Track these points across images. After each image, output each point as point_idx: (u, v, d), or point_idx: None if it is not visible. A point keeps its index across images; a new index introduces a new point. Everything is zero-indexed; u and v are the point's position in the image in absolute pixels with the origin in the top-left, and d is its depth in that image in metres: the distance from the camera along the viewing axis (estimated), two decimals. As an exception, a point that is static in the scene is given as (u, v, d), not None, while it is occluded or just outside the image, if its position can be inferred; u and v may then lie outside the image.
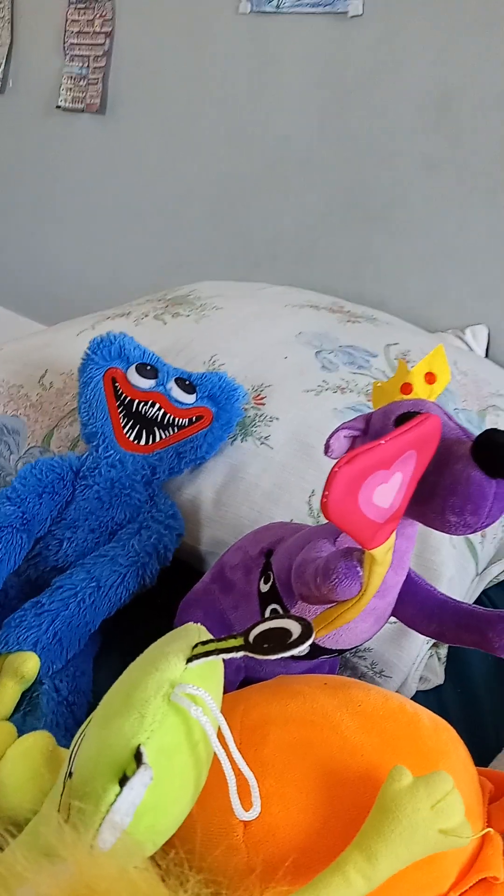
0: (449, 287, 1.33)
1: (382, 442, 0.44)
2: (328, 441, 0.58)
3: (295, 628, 0.40)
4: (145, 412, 0.83)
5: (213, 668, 0.41)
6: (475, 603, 0.89)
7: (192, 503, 0.86)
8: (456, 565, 0.84)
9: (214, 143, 1.57)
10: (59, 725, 0.63)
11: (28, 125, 1.87)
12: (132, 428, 0.82)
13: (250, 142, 1.52)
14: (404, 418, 0.56)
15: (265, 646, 0.39)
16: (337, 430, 0.58)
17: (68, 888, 0.28)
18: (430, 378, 0.60)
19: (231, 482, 0.86)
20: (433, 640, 0.79)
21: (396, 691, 0.76)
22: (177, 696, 0.38)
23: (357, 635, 0.61)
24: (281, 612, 0.63)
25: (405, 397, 0.59)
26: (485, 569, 0.92)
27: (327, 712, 0.49)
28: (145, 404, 0.83)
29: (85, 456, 0.82)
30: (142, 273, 1.77)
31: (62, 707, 0.65)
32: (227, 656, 0.39)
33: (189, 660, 0.40)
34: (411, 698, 0.73)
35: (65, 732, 0.63)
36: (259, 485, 0.85)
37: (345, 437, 0.58)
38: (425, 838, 0.41)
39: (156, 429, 0.83)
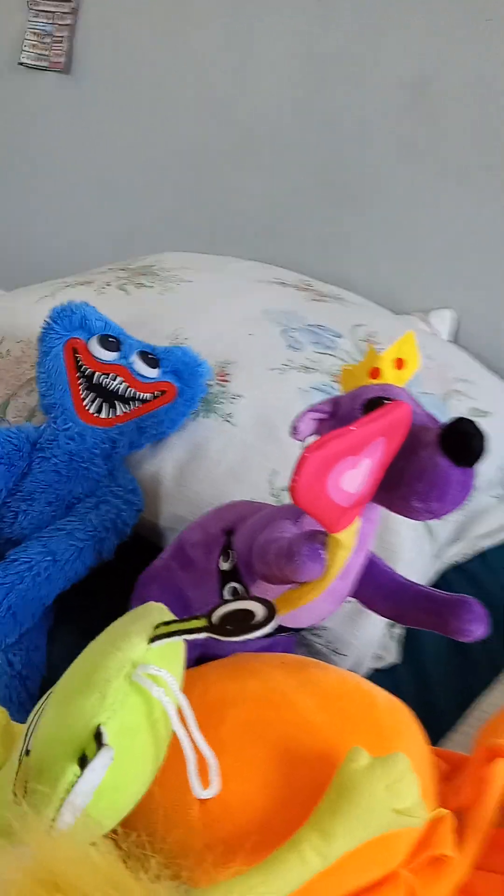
0: (417, 270, 1.34)
1: (353, 428, 0.44)
2: (295, 423, 0.58)
3: (259, 610, 0.40)
4: (106, 385, 0.81)
5: (174, 649, 0.41)
6: (432, 585, 0.90)
7: (152, 478, 0.85)
8: (414, 547, 0.85)
9: (185, 110, 1.54)
10: (13, 700, 0.63)
11: (-12, 81, 1.80)
12: (92, 401, 0.81)
13: (223, 112, 1.49)
14: (372, 403, 0.56)
15: (228, 627, 0.39)
16: (304, 413, 0.58)
17: (29, 872, 0.28)
18: (399, 364, 0.60)
19: (193, 459, 0.85)
20: (389, 620, 0.80)
21: (351, 670, 0.77)
22: (138, 677, 0.37)
23: (316, 614, 0.62)
24: (241, 591, 0.63)
25: (374, 382, 0.59)
26: (442, 551, 0.94)
27: (285, 691, 0.50)
28: (106, 377, 0.82)
29: (43, 427, 0.80)
30: (105, 240, 1.73)
31: (15, 681, 0.64)
32: (191, 637, 0.39)
33: (151, 640, 0.39)
34: (366, 677, 0.74)
35: (18, 707, 0.62)
36: (221, 462, 0.84)
37: (312, 419, 0.58)
38: (380, 818, 0.41)
39: (117, 402, 0.82)
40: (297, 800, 0.44)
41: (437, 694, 0.80)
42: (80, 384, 0.81)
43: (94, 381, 0.81)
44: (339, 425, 0.57)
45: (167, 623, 0.40)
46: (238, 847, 0.42)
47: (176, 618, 0.42)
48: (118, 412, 0.81)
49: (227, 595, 0.63)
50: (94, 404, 0.81)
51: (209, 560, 0.67)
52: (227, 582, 0.64)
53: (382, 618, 0.78)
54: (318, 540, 0.50)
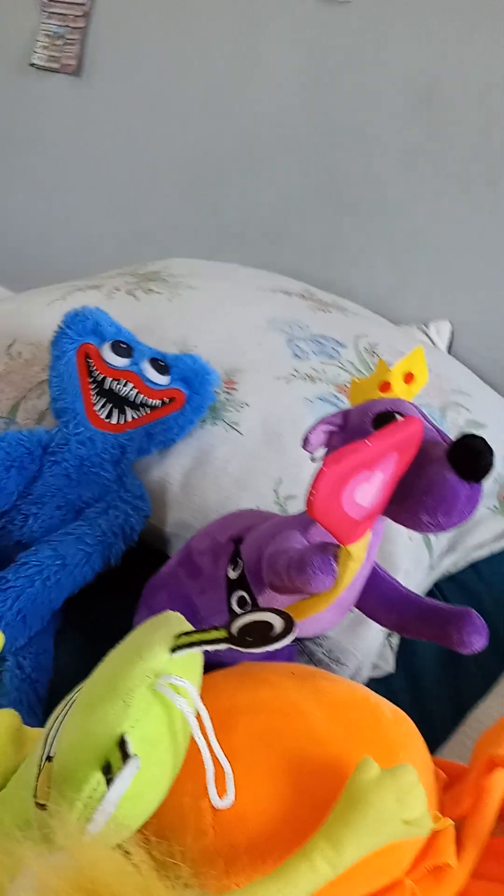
0: (416, 280, 1.35)
1: (368, 443, 0.45)
2: (306, 435, 0.59)
3: (277, 622, 0.41)
4: (118, 391, 0.82)
5: (194, 659, 0.42)
6: (426, 595, 0.92)
7: (159, 484, 0.86)
8: (412, 558, 0.86)
9: (192, 114, 1.55)
10: (23, 703, 0.63)
11: (-2, 80, 1.81)
12: (104, 406, 0.82)
13: (228, 116, 1.50)
14: (383, 417, 0.58)
15: (248, 639, 0.40)
16: (315, 425, 0.59)
17: (71, 880, 0.29)
18: (408, 378, 0.61)
19: (199, 466, 0.86)
20: (388, 630, 0.81)
21: (350, 678, 0.78)
22: (161, 687, 0.38)
23: (320, 625, 0.63)
24: (248, 599, 0.64)
25: (383, 395, 0.61)
26: (438, 561, 0.95)
27: (295, 702, 0.51)
28: (118, 383, 0.83)
29: (54, 431, 0.81)
30: (110, 241, 1.74)
31: (25, 684, 0.65)
32: (212, 648, 0.40)
33: (173, 650, 0.40)
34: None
35: (28, 710, 0.63)
36: (227, 470, 0.85)
37: (323, 431, 0.59)
38: (390, 828, 0.43)
39: (127, 408, 0.83)
40: (308, 810, 0.45)
41: (431, 703, 0.81)
42: (92, 389, 0.82)
43: (105, 386, 0.82)
44: (349, 438, 0.58)
45: (187, 633, 0.41)
46: (250, 855, 0.43)
47: (194, 628, 0.43)
48: (128, 418, 0.82)
49: (234, 603, 0.64)
50: (105, 410, 0.82)
51: (217, 568, 0.68)
52: (234, 590, 0.65)
53: (381, 627, 0.80)
54: (330, 552, 0.51)
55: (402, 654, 0.86)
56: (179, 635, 0.41)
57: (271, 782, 0.46)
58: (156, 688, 0.39)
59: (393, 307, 1.36)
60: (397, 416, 0.57)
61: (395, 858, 0.47)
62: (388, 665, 0.84)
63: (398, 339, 1.13)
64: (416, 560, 0.87)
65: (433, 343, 1.30)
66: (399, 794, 0.43)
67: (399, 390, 0.61)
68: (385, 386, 0.61)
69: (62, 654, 0.75)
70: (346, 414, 0.60)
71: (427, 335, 1.30)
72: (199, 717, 0.40)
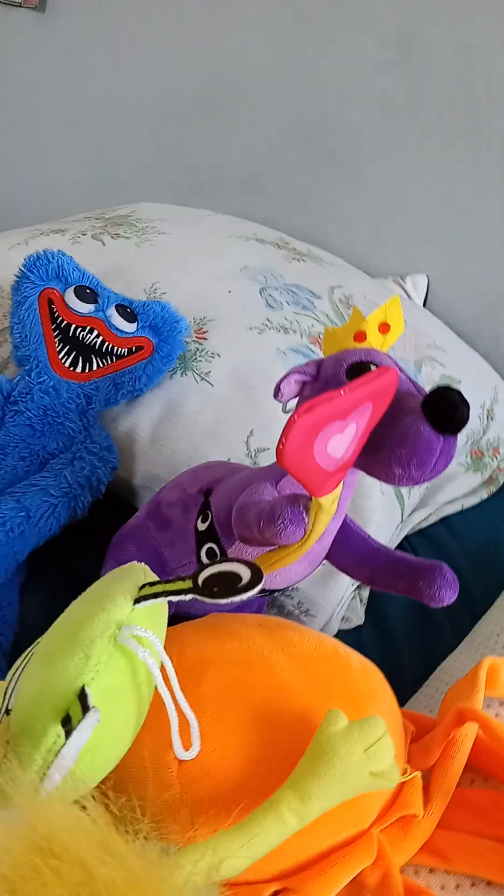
0: (393, 233, 1.32)
1: (342, 392, 0.44)
2: (278, 384, 0.58)
3: (244, 572, 0.40)
4: (83, 338, 0.79)
5: (158, 610, 0.41)
6: (397, 549, 0.92)
7: (127, 435, 0.84)
8: (384, 511, 0.85)
9: (163, 55, 1.48)
10: (-15, 656, 0.62)
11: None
12: (68, 354, 0.79)
13: (201, 58, 1.44)
14: (357, 367, 0.56)
15: (214, 589, 0.38)
16: (288, 374, 0.58)
17: (24, 839, 0.28)
18: (383, 328, 0.59)
19: (169, 417, 0.84)
20: (357, 582, 0.81)
21: (320, 630, 0.78)
22: (123, 637, 0.37)
23: (291, 577, 0.62)
24: (217, 551, 0.62)
25: (358, 345, 0.59)
26: (409, 516, 0.95)
27: (263, 653, 0.50)
28: (83, 329, 0.80)
29: (16, 380, 0.78)
30: (76, 185, 1.68)
31: (-13, 637, 0.64)
32: (176, 599, 0.39)
33: (136, 601, 0.39)
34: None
35: (-10, 663, 0.62)
36: (197, 421, 0.83)
37: (295, 381, 0.58)
38: (357, 780, 0.42)
39: (93, 356, 0.80)
40: (275, 761, 0.45)
41: (401, 656, 0.82)
42: (56, 336, 0.79)
43: (69, 333, 0.79)
44: (322, 388, 0.57)
45: (151, 584, 0.40)
46: (216, 807, 0.43)
47: (159, 579, 0.42)
48: (94, 367, 0.79)
49: (203, 555, 0.63)
50: (70, 357, 0.79)
51: (186, 520, 0.66)
52: (204, 542, 0.64)
53: (351, 580, 0.79)
54: (301, 503, 0.50)
55: (372, 607, 0.86)
56: (143, 586, 0.40)
57: (238, 734, 0.45)
58: (118, 639, 0.37)
59: (369, 259, 1.33)
60: (372, 367, 0.56)
61: (361, 810, 0.46)
62: (358, 617, 0.84)
63: (374, 291, 1.11)
64: (387, 514, 0.86)
65: (409, 296, 1.28)
66: (367, 745, 0.43)
67: (374, 340, 0.59)
68: (360, 336, 0.59)
69: (27, 608, 0.74)
70: (319, 363, 0.58)
71: (403, 288, 1.28)
72: (163, 668, 0.39)
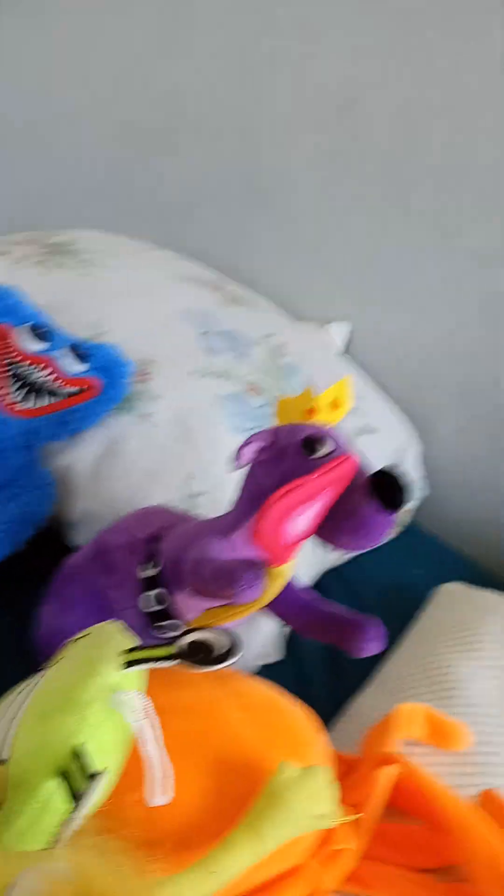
0: (320, 279, 1.39)
1: (314, 477, 0.50)
2: (239, 450, 0.62)
3: (224, 642, 0.45)
4: (32, 376, 0.82)
5: (142, 671, 0.45)
6: (313, 586, 0.98)
7: (66, 472, 0.86)
8: (306, 553, 0.92)
9: (109, 77, 1.51)
10: None
11: None
12: (17, 390, 0.81)
13: (146, 87, 1.47)
14: (309, 441, 0.62)
15: (200, 656, 0.43)
16: (248, 442, 0.63)
17: (76, 888, 0.31)
18: (334, 405, 0.66)
19: (109, 455, 0.87)
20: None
21: (243, 667, 0.83)
22: (116, 703, 0.41)
23: (231, 624, 0.67)
24: (166, 597, 0.66)
25: (310, 420, 0.65)
26: (324, 556, 1.02)
27: (218, 703, 0.55)
28: (33, 367, 0.82)
29: (-35, 413, 0.79)
30: (9, 200, 1.66)
31: None
32: (163, 665, 0.43)
33: (126, 664, 0.43)
34: (254, 674, 0.80)
35: None
36: (138, 462, 0.87)
37: (254, 449, 0.63)
38: (303, 821, 0.48)
39: (42, 393, 0.82)
40: (228, 804, 0.50)
41: (315, 690, 0.87)
42: (7, 373, 0.80)
43: (18, 370, 0.81)
44: (278, 455, 0.62)
45: (138, 649, 0.44)
46: (177, 845, 0.47)
47: (141, 643, 0.46)
48: (42, 403, 0.82)
49: (153, 600, 0.67)
50: (19, 394, 0.81)
51: (132, 565, 0.70)
52: (152, 588, 0.68)
53: (277, 621, 0.85)
54: (261, 568, 0.55)
55: (289, 642, 0.92)
56: (130, 650, 0.44)
57: (197, 780, 0.50)
58: (111, 703, 0.41)
59: (295, 302, 1.40)
60: (324, 441, 0.61)
61: (301, 844, 0.52)
62: (279, 653, 0.90)
63: (305, 340, 1.18)
64: (309, 556, 0.93)
65: (333, 343, 1.35)
66: (312, 792, 0.49)
67: (325, 416, 0.65)
68: (311, 411, 0.65)
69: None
70: (275, 432, 0.64)
71: (328, 334, 1.35)
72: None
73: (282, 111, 1.34)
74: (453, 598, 0.97)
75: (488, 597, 0.96)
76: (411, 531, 1.18)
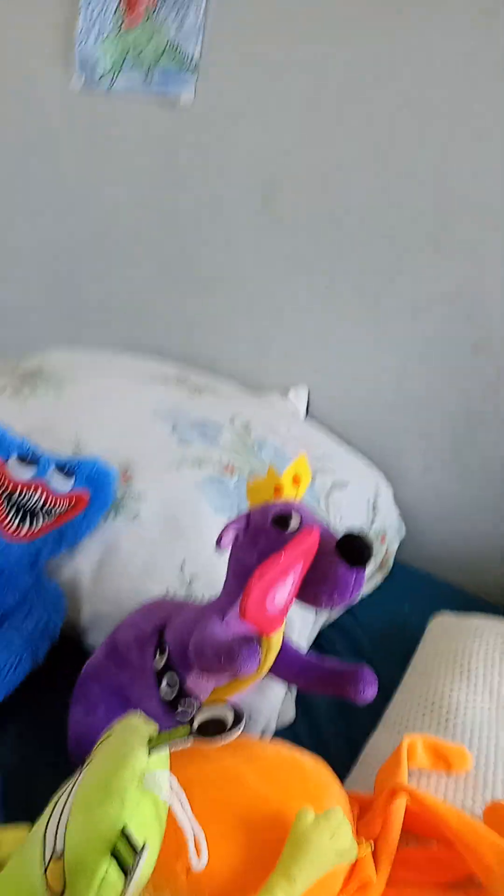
0: (275, 350, 1.48)
1: (282, 556, 0.58)
2: (220, 537, 0.71)
3: (229, 716, 0.52)
4: (27, 500, 0.90)
5: (166, 752, 0.52)
6: (313, 642, 1.05)
7: (71, 581, 0.94)
8: (301, 617, 0.99)
9: (43, 202, 1.63)
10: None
11: None
12: (14, 517, 0.89)
13: (83, 206, 1.60)
14: (279, 518, 0.70)
15: (210, 731, 0.51)
16: (226, 528, 0.71)
17: None
18: (296, 480, 0.74)
19: (107, 559, 0.95)
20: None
21: (262, 733, 0.90)
22: (148, 784, 0.49)
23: (241, 695, 0.74)
24: (178, 678, 0.74)
25: (276, 498, 0.74)
26: (320, 615, 1.09)
27: (236, 770, 0.62)
28: (27, 493, 0.90)
29: (-29, 545, 0.87)
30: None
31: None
32: (181, 746, 0.51)
33: (150, 750, 0.50)
34: (273, 736, 0.87)
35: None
36: (133, 560, 0.95)
37: (231, 536, 0.71)
38: (327, 859, 0.55)
39: (37, 515, 0.90)
40: (258, 858, 0.57)
41: (329, 741, 0.94)
42: (3, 503, 0.89)
43: (13, 499, 0.90)
44: (253, 535, 0.71)
45: (159, 735, 0.52)
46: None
47: (161, 730, 0.53)
48: (40, 524, 0.90)
49: (165, 685, 0.74)
50: (16, 520, 0.89)
51: (144, 658, 0.77)
52: (163, 674, 0.75)
53: (283, 685, 0.91)
54: (255, 642, 0.63)
55: (301, 700, 0.99)
56: (153, 737, 0.51)
57: (227, 842, 0.57)
58: (144, 786, 0.49)
59: (255, 375, 1.49)
60: (292, 516, 0.70)
61: (331, 881, 0.59)
62: (291, 713, 0.96)
63: (268, 413, 1.27)
64: (304, 618, 1.00)
65: (294, 408, 1.45)
66: (331, 832, 0.56)
67: (289, 492, 0.74)
68: (277, 490, 0.74)
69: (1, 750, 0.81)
70: (248, 516, 0.72)
71: (288, 400, 1.45)
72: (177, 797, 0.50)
73: (211, 205, 1.45)
74: (444, 628, 1.04)
75: (475, 622, 1.03)
76: (397, 570, 1.26)
